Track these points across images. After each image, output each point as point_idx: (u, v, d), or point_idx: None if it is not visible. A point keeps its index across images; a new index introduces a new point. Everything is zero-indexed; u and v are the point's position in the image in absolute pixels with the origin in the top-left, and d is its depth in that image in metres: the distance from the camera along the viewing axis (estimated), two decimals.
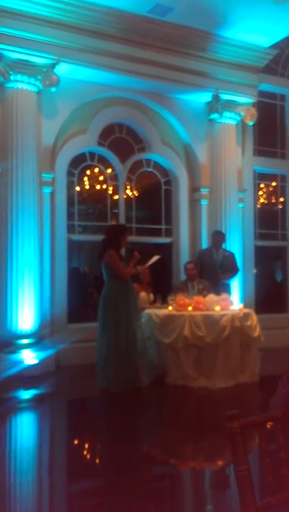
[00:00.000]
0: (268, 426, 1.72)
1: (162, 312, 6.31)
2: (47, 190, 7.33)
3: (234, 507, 3.08)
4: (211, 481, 3.85)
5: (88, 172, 8.15)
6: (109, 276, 5.98)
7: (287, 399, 1.73)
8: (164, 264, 8.66)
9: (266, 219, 9.58)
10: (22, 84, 6.91)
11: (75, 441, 4.71)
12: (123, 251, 6.31)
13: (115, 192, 8.29)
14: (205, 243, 8.38)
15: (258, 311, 7.08)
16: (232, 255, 7.82)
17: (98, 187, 8.27)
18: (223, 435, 4.04)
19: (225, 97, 8.29)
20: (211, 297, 6.42)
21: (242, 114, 8.52)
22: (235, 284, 8.24)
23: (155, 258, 6.47)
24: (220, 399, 5.65)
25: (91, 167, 8.16)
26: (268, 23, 7.64)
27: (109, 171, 8.24)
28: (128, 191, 8.43)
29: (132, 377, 5.87)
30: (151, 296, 7.12)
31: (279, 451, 1.69)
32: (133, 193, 8.48)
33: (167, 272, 8.64)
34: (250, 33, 7.88)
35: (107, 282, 6.00)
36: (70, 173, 7.80)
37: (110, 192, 8.27)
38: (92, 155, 8.08)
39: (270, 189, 9.78)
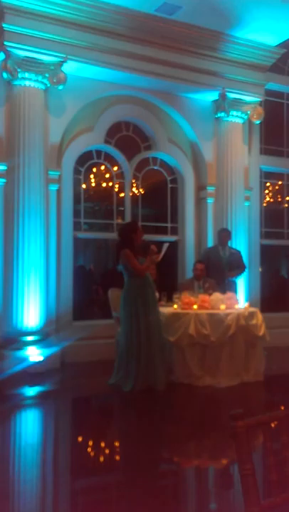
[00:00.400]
0: (272, 425, 1.73)
1: (167, 310, 6.32)
2: (53, 187, 7.35)
3: (238, 506, 3.10)
4: (215, 479, 3.86)
5: (95, 170, 8.17)
6: (128, 275, 6.01)
7: None
8: (169, 262, 8.67)
9: (272, 218, 9.57)
10: (30, 82, 6.92)
11: (80, 439, 4.73)
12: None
13: (121, 190, 8.30)
14: (211, 241, 8.38)
15: (263, 310, 7.07)
16: (238, 253, 7.82)
17: (104, 185, 8.28)
18: (228, 434, 4.05)
19: (232, 95, 8.28)
20: (217, 296, 6.42)
21: (249, 112, 8.51)
22: (241, 283, 8.24)
23: (166, 246, 6.47)
24: (224, 398, 5.66)
25: (97, 165, 8.17)
26: (275, 22, 7.61)
27: (115, 168, 8.25)
28: (134, 189, 8.44)
29: (150, 378, 5.84)
30: (157, 294, 7.12)
31: (283, 451, 1.70)
32: (139, 191, 8.49)
33: (173, 270, 8.65)
34: (257, 32, 7.86)
35: (127, 281, 6.03)
36: (76, 171, 7.82)
37: (116, 190, 8.28)
38: (98, 153, 8.09)
39: (277, 188, 9.76)
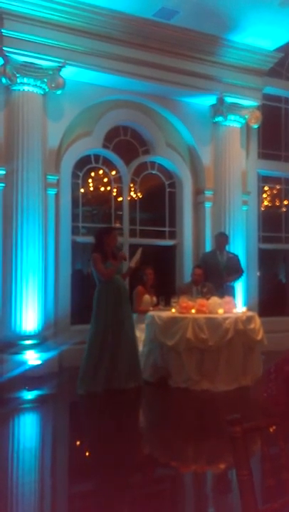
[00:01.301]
0: (270, 430, 1.74)
1: (165, 314, 6.32)
2: (52, 191, 7.36)
3: (233, 511, 3.10)
4: (212, 484, 3.86)
5: (93, 174, 8.19)
6: (97, 279, 6.06)
7: (277, 396, 1.74)
8: (167, 266, 8.68)
9: (270, 222, 9.59)
10: (28, 87, 6.95)
11: (78, 442, 4.73)
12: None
13: (119, 194, 8.32)
14: (209, 246, 8.39)
15: (261, 314, 7.09)
16: (236, 257, 7.83)
17: (103, 189, 8.30)
18: (225, 438, 4.06)
19: (229, 99, 8.31)
20: (214, 300, 6.42)
21: (246, 117, 8.54)
22: (239, 287, 8.25)
23: (139, 251, 6.50)
24: (222, 402, 5.66)
25: (96, 169, 8.19)
26: (272, 26, 7.65)
27: (113, 173, 8.27)
28: (132, 193, 8.46)
29: (115, 379, 5.86)
30: (154, 298, 7.14)
31: (280, 456, 1.71)
32: (137, 195, 8.51)
33: (171, 275, 8.66)
34: (255, 36, 7.90)
35: (97, 285, 6.08)
36: (74, 175, 7.84)
37: (114, 194, 8.30)
38: (96, 157, 8.11)
39: (275, 192, 9.79)
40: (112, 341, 5.89)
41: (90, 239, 8.12)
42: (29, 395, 6.10)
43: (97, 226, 8.30)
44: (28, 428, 5.26)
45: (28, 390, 6.15)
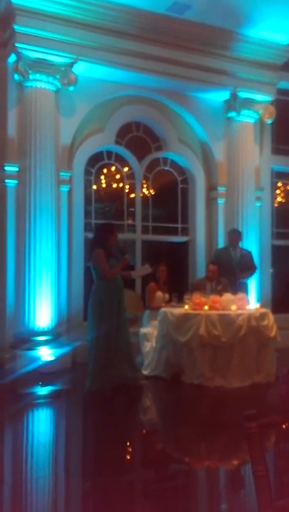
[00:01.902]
0: (285, 426, 1.72)
1: (178, 311, 6.31)
2: (64, 188, 7.37)
3: (248, 506, 3.08)
4: (225, 480, 3.84)
5: (105, 170, 8.19)
6: (96, 276, 5.97)
7: (288, 397, 1.72)
8: (180, 263, 8.66)
9: (284, 218, 9.52)
10: (40, 84, 6.95)
11: (90, 438, 4.74)
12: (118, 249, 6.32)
13: (132, 190, 8.31)
14: (221, 242, 8.35)
15: (274, 311, 7.04)
16: (249, 253, 7.79)
17: (115, 185, 8.30)
18: (238, 435, 4.05)
19: (243, 95, 8.24)
20: (228, 296, 6.40)
21: (260, 112, 8.47)
22: (252, 284, 8.20)
23: (145, 269, 6.52)
24: (235, 398, 5.63)
25: (108, 166, 8.19)
26: (286, 20, 7.55)
27: (126, 169, 8.26)
28: (145, 190, 8.44)
29: (114, 377, 5.82)
30: (167, 295, 7.13)
31: None
32: (150, 192, 8.49)
33: (183, 271, 8.64)
34: (268, 30, 7.82)
35: (95, 282, 5.99)
36: (87, 172, 7.84)
37: (127, 190, 8.29)
38: (109, 153, 8.11)
39: (288, 188, 9.71)
40: (115, 340, 5.87)
41: None
42: (42, 391, 6.12)
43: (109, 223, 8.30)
44: (41, 423, 5.28)
45: (42, 385, 6.17)
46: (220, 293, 6.55)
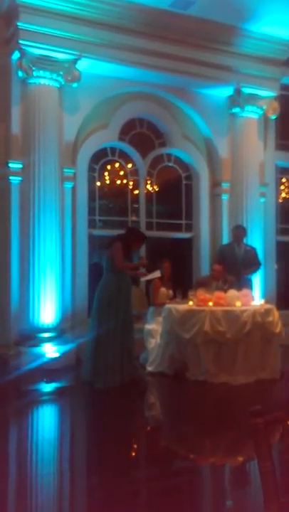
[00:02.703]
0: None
1: (183, 307, 6.30)
2: (68, 185, 7.37)
3: (254, 502, 3.09)
4: (231, 476, 3.85)
5: (109, 167, 8.18)
6: (108, 269, 6.02)
7: None
8: (184, 259, 8.66)
9: (288, 214, 9.49)
10: (44, 80, 6.95)
11: (95, 434, 4.75)
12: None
13: (136, 187, 8.30)
14: (226, 238, 8.34)
15: (279, 307, 7.02)
16: (254, 250, 7.77)
17: (119, 182, 8.29)
18: (243, 431, 4.05)
19: (247, 90, 8.21)
20: (232, 293, 6.39)
21: (264, 107, 8.44)
22: (257, 280, 8.19)
23: (156, 275, 6.57)
24: (240, 395, 5.63)
25: (112, 162, 8.18)
26: None
27: (129, 165, 8.25)
28: (149, 186, 8.43)
29: (123, 371, 5.86)
30: (171, 291, 7.13)
31: None
32: (153, 188, 8.48)
33: (187, 268, 8.63)
34: (272, 25, 7.78)
35: (105, 275, 6.05)
36: (91, 168, 7.83)
37: (131, 187, 8.28)
38: (113, 150, 8.10)
39: None
40: (121, 334, 5.89)
41: (106, 232, 8.17)
42: (47, 387, 6.14)
43: (113, 219, 8.31)
44: (46, 420, 5.29)
45: (46, 382, 6.19)
46: (226, 290, 6.54)
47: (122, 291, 5.94)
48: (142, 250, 7.65)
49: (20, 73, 6.85)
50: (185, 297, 6.63)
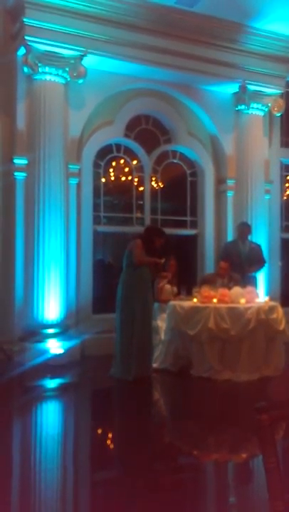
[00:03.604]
0: None
1: (187, 304, 6.31)
2: (73, 181, 7.38)
3: (259, 499, 3.09)
4: (235, 473, 3.86)
5: (114, 163, 8.17)
6: (127, 265, 6.06)
7: None
8: (188, 256, 8.66)
9: None
10: (50, 76, 6.94)
11: (99, 430, 4.77)
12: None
13: (141, 183, 8.30)
14: (230, 235, 8.34)
15: (283, 304, 7.02)
16: (258, 247, 7.76)
17: (124, 178, 8.29)
18: (248, 427, 4.05)
19: (252, 87, 8.19)
20: (236, 290, 6.39)
21: (269, 105, 8.42)
22: (261, 277, 8.18)
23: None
24: (244, 392, 5.64)
25: (117, 158, 8.17)
26: None
27: (135, 162, 8.25)
28: (153, 183, 8.43)
29: (140, 366, 5.87)
30: (175, 288, 7.13)
31: None
32: (158, 185, 8.48)
33: (192, 264, 8.63)
34: (278, 22, 7.75)
35: (125, 270, 6.10)
36: (96, 165, 7.84)
37: (136, 183, 8.28)
38: (118, 146, 8.10)
39: None
40: (138, 329, 5.91)
41: (111, 228, 8.17)
42: (51, 383, 6.16)
43: (118, 216, 8.31)
44: (50, 416, 5.31)
45: (51, 378, 6.21)
46: (231, 287, 6.54)
47: (144, 282, 6.02)
48: None
49: (26, 69, 6.85)
50: (189, 294, 6.63)
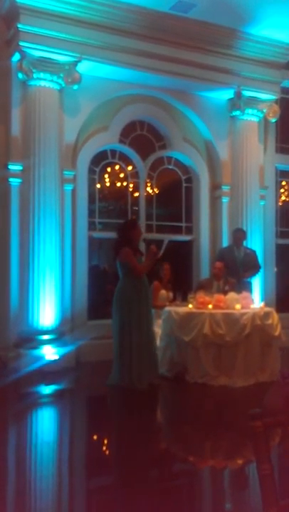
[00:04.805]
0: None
1: (182, 310, 6.30)
2: (68, 187, 7.37)
3: (252, 505, 3.08)
4: (230, 479, 3.84)
5: (109, 169, 8.18)
6: (123, 274, 5.97)
7: None
8: (184, 261, 8.65)
9: (288, 217, 9.49)
10: (45, 82, 6.95)
11: (94, 437, 4.74)
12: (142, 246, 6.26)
13: (136, 189, 8.30)
14: (226, 241, 8.34)
15: (278, 310, 7.02)
16: (253, 253, 7.77)
17: (119, 184, 8.29)
18: (243, 433, 4.03)
19: (247, 93, 8.22)
20: (232, 295, 6.38)
21: (264, 110, 8.45)
22: (256, 283, 8.18)
23: (166, 242, 6.43)
24: (240, 397, 5.63)
25: (112, 164, 8.18)
26: None
27: (130, 168, 8.25)
28: (149, 189, 8.43)
29: (140, 375, 5.81)
30: (171, 294, 7.12)
31: None
32: (154, 191, 8.48)
33: (187, 270, 8.63)
34: (272, 28, 7.80)
35: (122, 279, 5.99)
36: (91, 171, 7.83)
37: (131, 189, 8.28)
38: (113, 152, 8.10)
39: None
40: (138, 339, 5.86)
41: (106, 234, 8.15)
42: (46, 390, 6.13)
43: (113, 222, 8.30)
44: (45, 422, 5.28)
45: (46, 384, 6.18)
46: (226, 292, 6.54)
47: (141, 293, 5.92)
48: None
49: (20, 75, 6.85)
50: (185, 300, 6.62)
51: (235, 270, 7.36)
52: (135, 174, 8.28)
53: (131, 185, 8.27)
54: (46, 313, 6.86)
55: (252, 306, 6.46)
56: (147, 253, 6.07)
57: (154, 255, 6.03)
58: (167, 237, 8.34)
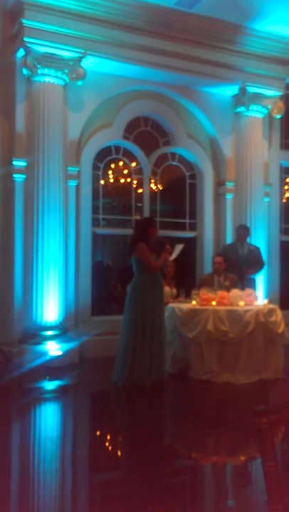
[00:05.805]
0: None
1: (186, 306, 6.30)
2: (72, 183, 7.37)
3: (258, 502, 3.08)
4: (233, 475, 3.84)
5: (113, 165, 8.18)
6: (139, 270, 5.97)
7: None
8: (187, 258, 8.65)
9: None
10: (49, 78, 6.94)
11: (98, 433, 4.75)
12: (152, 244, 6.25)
13: (140, 185, 8.30)
14: (230, 238, 8.33)
15: (282, 307, 7.02)
16: (257, 249, 7.76)
17: (123, 180, 8.28)
18: (246, 430, 4.03)
19: (252, 89, 8.20)
20: (235, 292, 6.38)
21: (269, 107, 8.42)
22: (260, 279, 8.17)
23: (180, 247, 6.44)
24: (243, 394, 5.63)
25: (116, 160, 8.17)
26: None
27: (134, 164, 8.25)
28: (153, 185, 8.42)
29: (151, 372, 5.81)
30: (174, 290, 7.11)
31: None
32: (158, 187, 8.47)
33: (191, 267, 8.62)
34: (277, 24, 7.76)
35: (137, 276, 5.98)
36: (95, 167, 7.83)
37: (135, 185, 8.28)
38: (117, 148, 8.09)
39: None
40: (150, 335, 5.85)
41: (109, 231, 8.17)
42: (50, 386, 6.14)
43: (117, 218, 8.31)
44: (49, 418, 5.29)
45: (49, 380, 6.19)
46: (228, 288, 6.53)
47: (156, 289, 5.93)
48: None
49: (24, 71, 6.85)
50: (188, 296, 6.62)
51: (239, 267, 7.35)
52: (139, 170, 8.27)
53: (135, 182, 8.26)
54: (50, 309, 6.88)
55: (256, 302, 6.46)
56: (162, 252, 6.07)
57: (168, 254, 6.10)
58: (167, 234, 8.32)
